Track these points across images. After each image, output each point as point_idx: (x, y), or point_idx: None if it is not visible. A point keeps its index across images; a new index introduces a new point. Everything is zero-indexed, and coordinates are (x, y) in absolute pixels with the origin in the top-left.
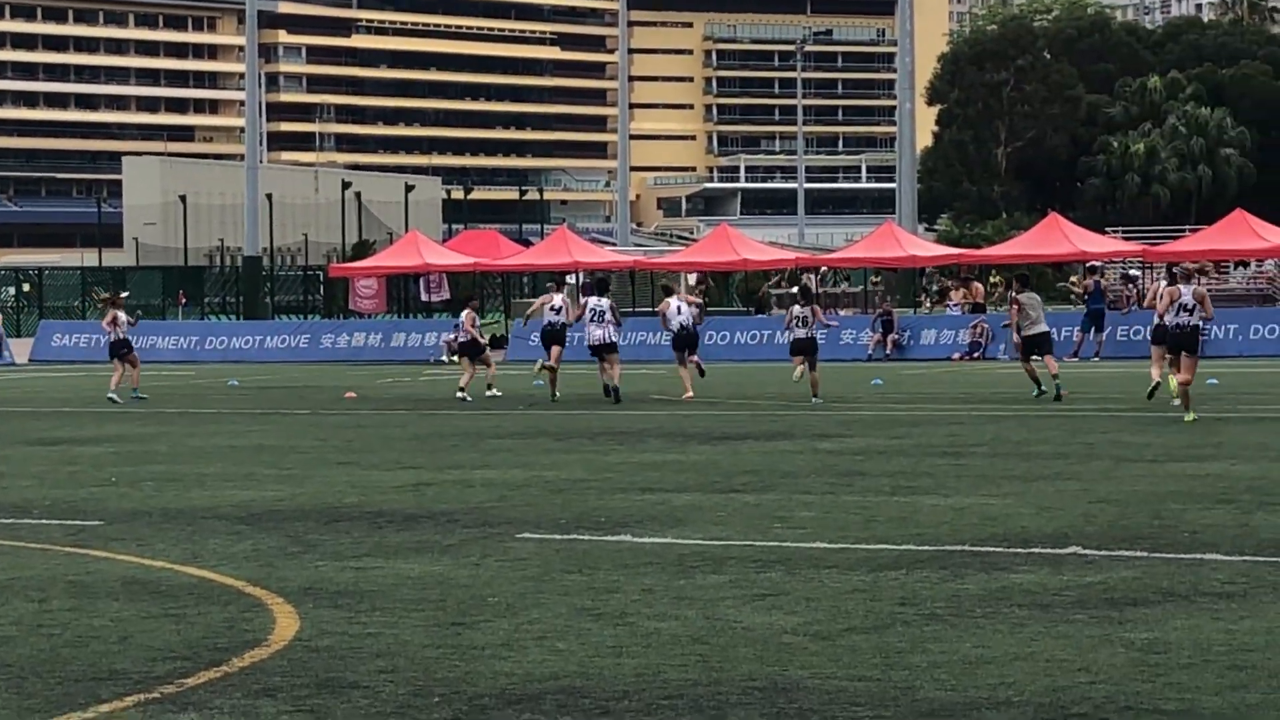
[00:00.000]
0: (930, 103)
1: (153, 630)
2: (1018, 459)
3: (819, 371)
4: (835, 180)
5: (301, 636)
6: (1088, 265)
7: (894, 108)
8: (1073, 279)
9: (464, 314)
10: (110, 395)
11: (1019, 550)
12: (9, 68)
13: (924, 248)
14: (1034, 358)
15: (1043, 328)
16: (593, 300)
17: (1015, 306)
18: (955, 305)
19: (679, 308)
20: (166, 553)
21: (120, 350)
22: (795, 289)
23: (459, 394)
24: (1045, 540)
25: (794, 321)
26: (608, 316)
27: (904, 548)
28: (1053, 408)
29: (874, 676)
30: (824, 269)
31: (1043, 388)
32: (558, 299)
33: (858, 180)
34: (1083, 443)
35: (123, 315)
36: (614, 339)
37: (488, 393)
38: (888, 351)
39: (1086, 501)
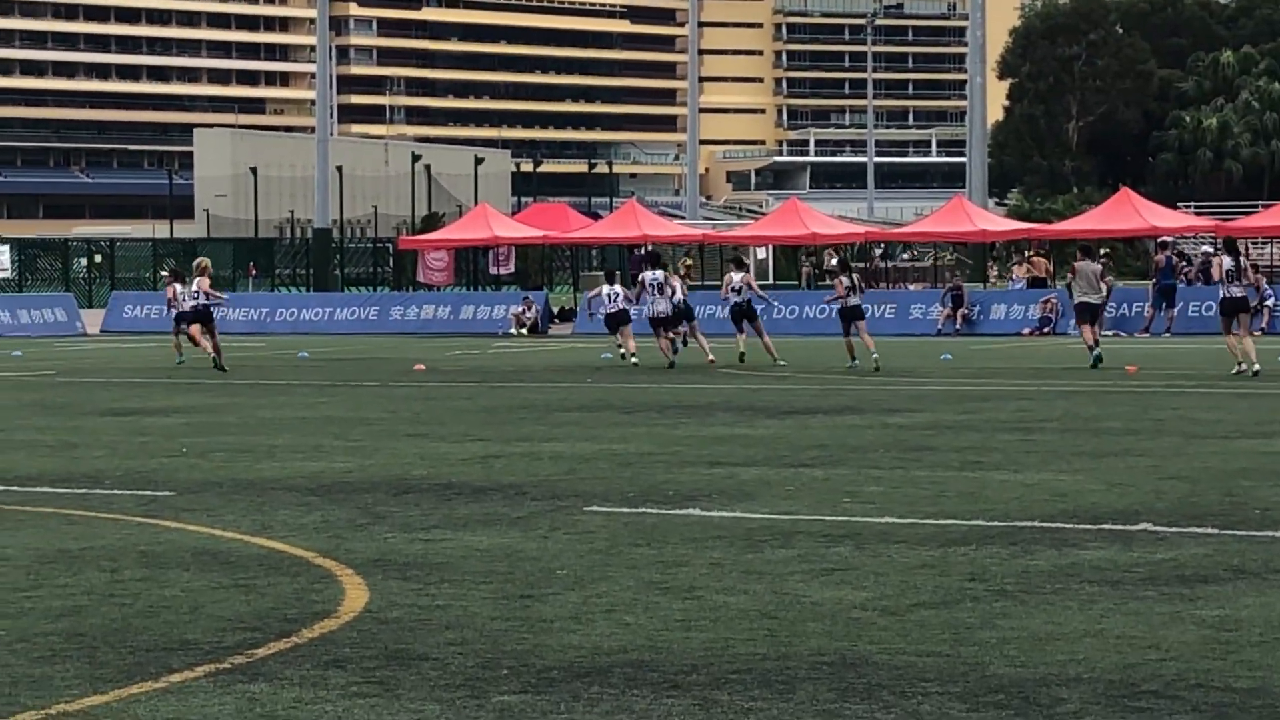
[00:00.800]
0: (1001, 77)
1: (223, 601)
2: (1088, 435)
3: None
4: (905, 154)
5: (370, 608)
6: (1159, 240)
7: (965, 82)
8: (1103, 251)
9: (616, 287)
10: (215, 361)
11: (1089, 526)
12: (82, 39)
13: (994, 222)
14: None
15: (1092, 298)
16: (649, 275)
17: (1072, 273)
18: (1018, 280)
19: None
20: (236, 523)
21: (185, 319)
22: (834, 261)
23: (633, 360)
24: (1115, 516)
25: (847, 292)
26: (665, 289)
27: (973, 523)
28: (1124, 384)
29: (943, 652)
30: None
31: (1096, 355)
32: (737, 278)
33: (928, 154)
34: (1153, 419)
35: (180, 287)
36: (669, 311)
37: (631, 360)
38: (957, 326)
39: (1157, 478)
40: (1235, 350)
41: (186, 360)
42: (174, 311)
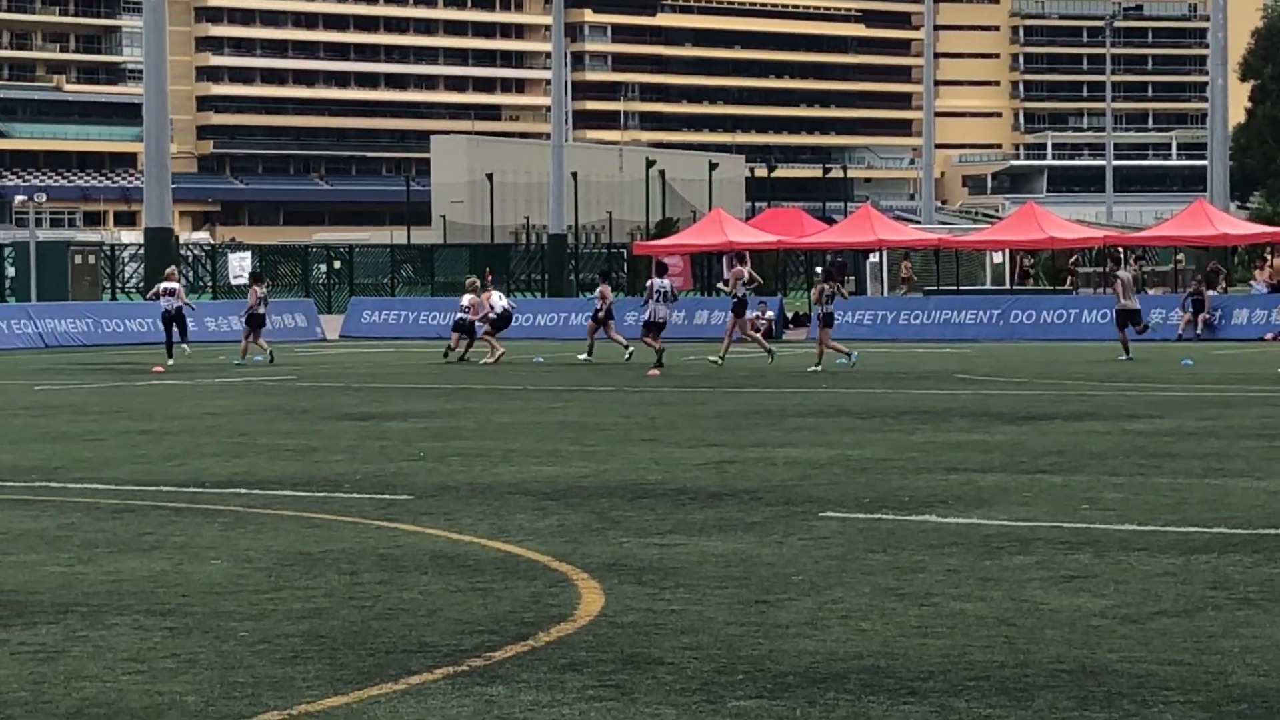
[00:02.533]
0: (1243, 78)
1: (461, 604)
2: None
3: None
4: (1145, 157)
5: (606, 612)
6: None
7: (1205, 84)
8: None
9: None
10: (239, 362)
11: None
12: (321, 48)
13: (1236, 226)
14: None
15: (1132, 304)
16: (658, 282)
17: (1119, 282)
18: (1259, 285)
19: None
20: (474, 527)
21: (256, 323)
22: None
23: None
24: None
25: (824, 298)
26: (671, 296)
27: (1215, 531)
28: None
29: (1185, 661)
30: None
31: (1129, 356)
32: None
33: (1168, 157)
34: None
35: (261, 290)
36: (669, 318)
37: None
38: (1198, 331)
39: None
40: None
41: (247, 363)
42: (246, 314)
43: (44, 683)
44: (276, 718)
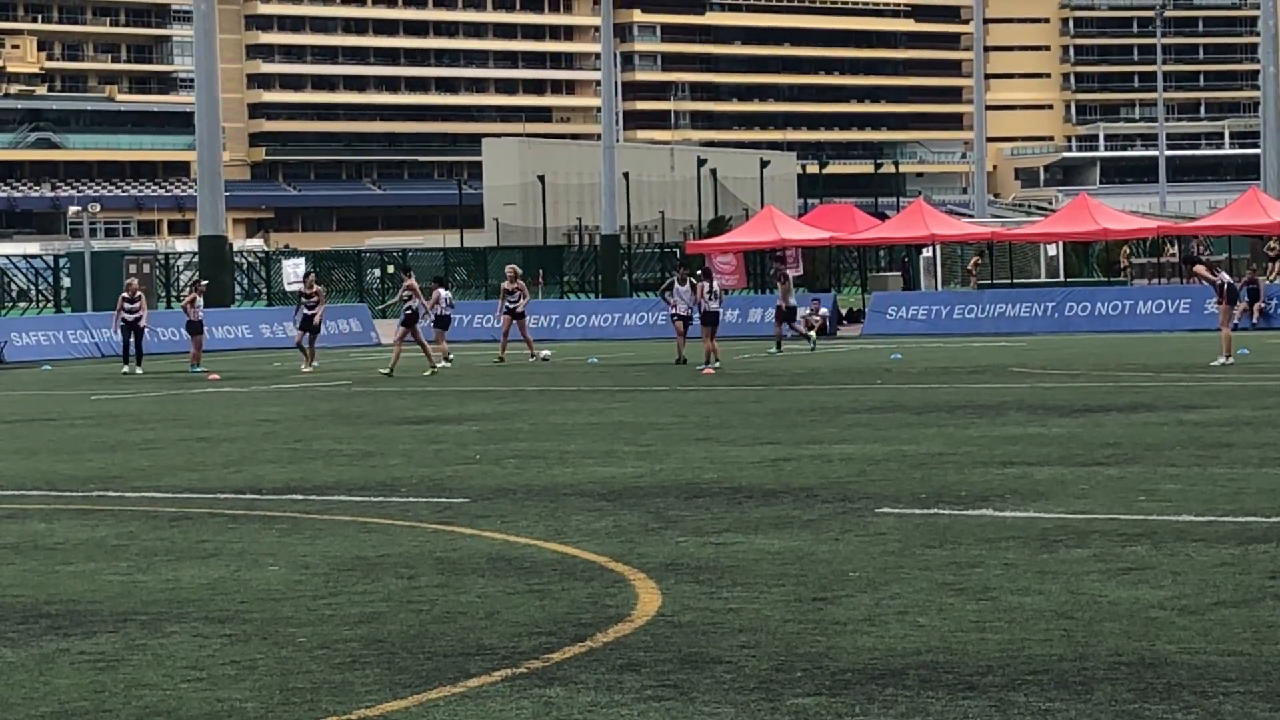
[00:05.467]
0: None
1: (518, 606)
2: None
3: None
4: (1198, 147)
5: (664, 612)
6: None
7: (1257, 72)
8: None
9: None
10: (195, 369)
11: None
12: (371, 53)
13: None
14: None
15: (790, 301)
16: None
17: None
18: None
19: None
20: (530, 529)
21: (196, 329)
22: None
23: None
24: None
25: (706, 295)
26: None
27: (1274, 520)
28: None
29: (1244, 651)
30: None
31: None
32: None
33: (1221, 147)
34: None
35: (200, 300)
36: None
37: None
38: (1254, 320)
39: None
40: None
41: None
42: (187, 320)
43: (104, 691)
44: None
